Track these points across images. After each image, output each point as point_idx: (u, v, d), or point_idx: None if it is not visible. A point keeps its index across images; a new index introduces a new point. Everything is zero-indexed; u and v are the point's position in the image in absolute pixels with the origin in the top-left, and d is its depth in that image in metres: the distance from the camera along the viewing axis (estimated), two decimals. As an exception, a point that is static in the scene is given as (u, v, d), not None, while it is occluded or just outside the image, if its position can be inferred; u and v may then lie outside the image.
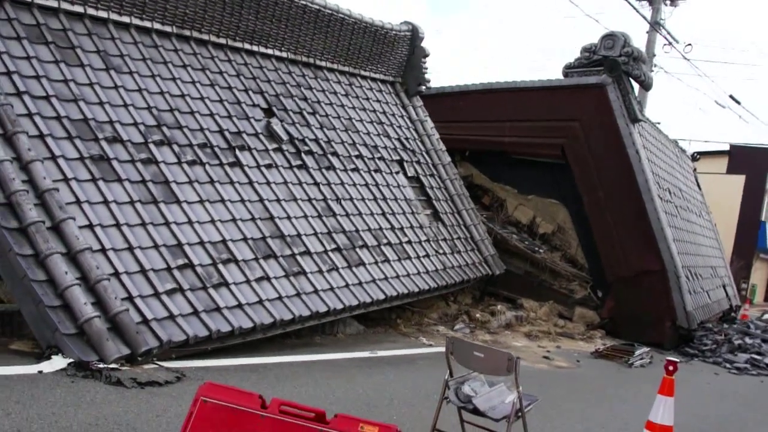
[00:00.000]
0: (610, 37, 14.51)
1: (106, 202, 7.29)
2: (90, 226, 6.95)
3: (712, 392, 10.63)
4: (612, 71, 14.15)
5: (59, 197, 6.82)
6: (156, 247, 7.40)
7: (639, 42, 22.01)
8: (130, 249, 7.14)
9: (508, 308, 13.40)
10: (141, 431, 4.87)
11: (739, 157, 32.18)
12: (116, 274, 6.80)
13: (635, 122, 14.32)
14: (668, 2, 21.83)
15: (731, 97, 26.36)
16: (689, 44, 22.15)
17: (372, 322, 10.38)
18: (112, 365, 6.08)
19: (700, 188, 20.95)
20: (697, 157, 22.98)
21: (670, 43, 22.20)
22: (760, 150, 32.20)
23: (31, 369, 5.82)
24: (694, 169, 21.32)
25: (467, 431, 5.49)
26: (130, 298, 6.72)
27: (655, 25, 21.63)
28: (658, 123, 19.46)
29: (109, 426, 4.84)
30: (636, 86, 14.91)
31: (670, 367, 5.72)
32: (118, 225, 7.21)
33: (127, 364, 6.24)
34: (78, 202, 7.04)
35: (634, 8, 20.55)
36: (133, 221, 7.40)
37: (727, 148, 32.77)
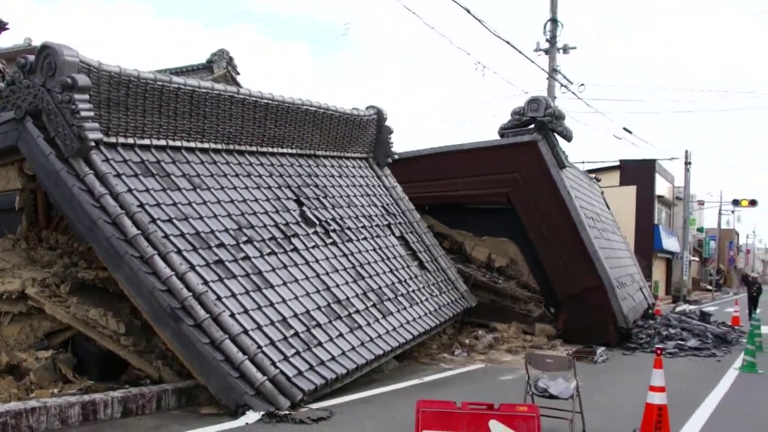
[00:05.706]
0: (534, 101, 17.81)
1: (234, 295, 9.84)
2: (233, 315, 9.49)
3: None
4: (540, 130, 17.42)
5: (210, 296, 9.35)
6: (272, 323, 9.98)
7: (540, 86, 25.57)
8: (259, 328, 9.70)
9: (486, 332, 16.36)
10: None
11: (629, 170, 36.69)
12: (260, 347, 9.36)
13: (563, 168, 17.62)
14: (561, 51, 25.49)
15: (625, 128, 30.48)
16: (582, 84, 25.78)
17: (398, 357, 13.10)
18: (286, 411, 8.66)
19: (608, 208, 24.57)
20: (598, 179, 26.77)
21: (565, 86, 25.82)
22: (645, 162, 36.72)
23: (238, 423, 8.29)
24: (602, 192, 24.95)
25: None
26: (273, 363, 9.29)
27: (552, 73, 25.22)
28: (567, 156, 22.90)
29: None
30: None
31: (659, 351, 8.71)
32: (246, 311, 9.76)
33: (291, 410, 8.81)
34: (219, 298, 9.56)
35: (533, 62, 23.87)
36: (253, 307, 9.95)
37: (617, 163, 37.17)
